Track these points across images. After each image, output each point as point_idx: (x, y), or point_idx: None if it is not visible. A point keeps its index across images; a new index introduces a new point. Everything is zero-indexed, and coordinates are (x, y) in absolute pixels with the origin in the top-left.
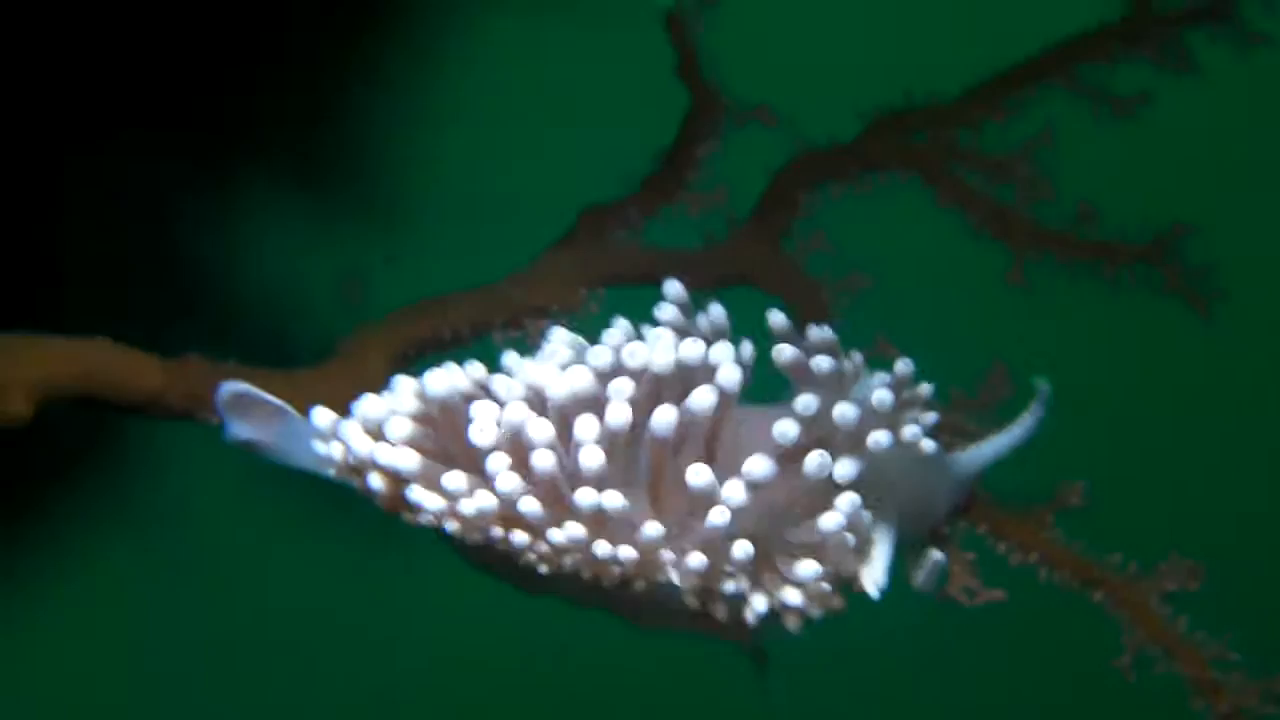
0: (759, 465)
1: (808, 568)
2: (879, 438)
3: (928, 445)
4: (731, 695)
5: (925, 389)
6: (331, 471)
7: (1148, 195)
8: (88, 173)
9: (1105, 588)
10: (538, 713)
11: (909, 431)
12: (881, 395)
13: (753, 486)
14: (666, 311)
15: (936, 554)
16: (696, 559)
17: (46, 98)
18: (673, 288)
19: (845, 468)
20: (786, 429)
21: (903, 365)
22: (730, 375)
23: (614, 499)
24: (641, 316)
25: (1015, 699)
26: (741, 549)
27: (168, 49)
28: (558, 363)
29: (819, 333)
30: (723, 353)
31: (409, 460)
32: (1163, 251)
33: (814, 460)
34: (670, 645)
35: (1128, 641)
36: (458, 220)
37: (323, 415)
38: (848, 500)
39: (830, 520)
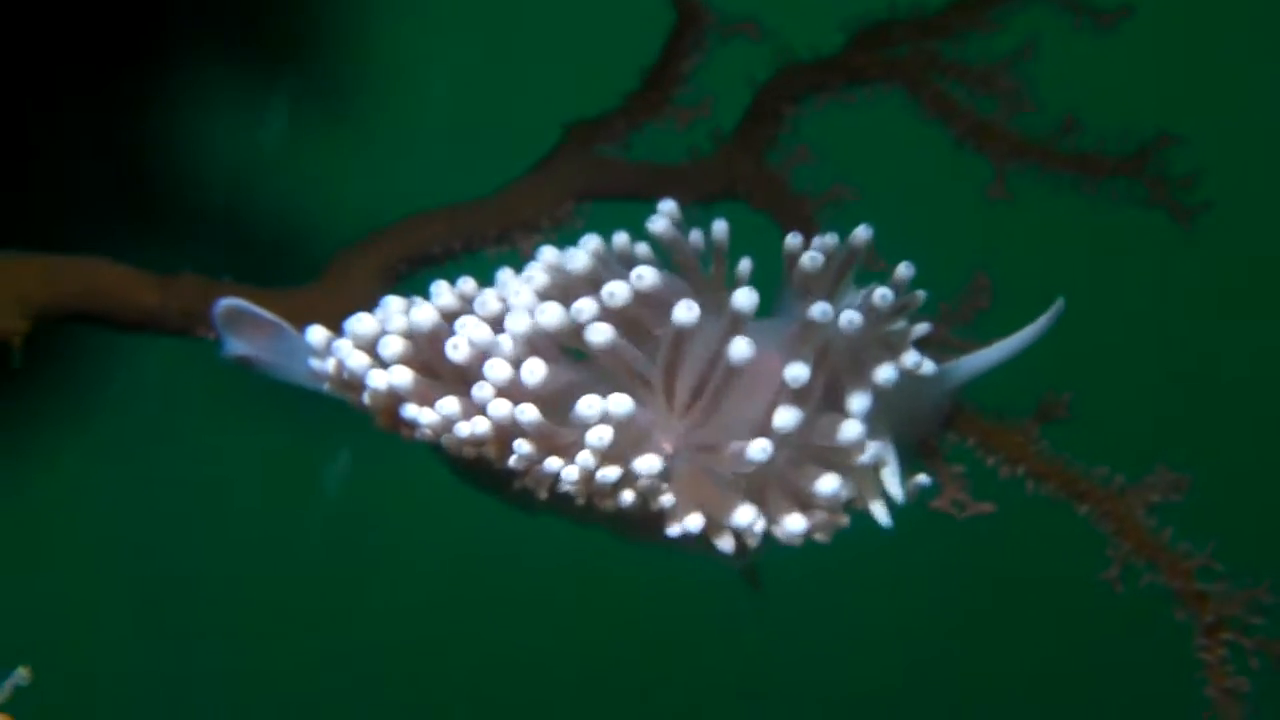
0: (787, 417)
1: (827, 484)
2: (886, 372)
3: (927, 366)
4: (724, 614)
5: (919, 295)
6: (326, 387)
7: (1131, 108)
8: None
9: (1091, 500)
10: (532, 633)
11: (911, 359)
12: (884, 293)
13: (781, 439)
14: (659, 224)
15: (922, 477)
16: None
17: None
18: (667, 204)
19: (857, 402)
20: (799, 373)
21: (904, 268)
22: (747, 299)
23: (621, 402)
24: (631, 231)
25: (1002, 612)
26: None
27: None
28: (536, 287)
29: (822, 240)
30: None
31: (403, 377)
32: (1145, 163)
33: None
34: (666, 564)
35: (1114, 554)
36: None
37: (317, 333)
38: (859, 431)
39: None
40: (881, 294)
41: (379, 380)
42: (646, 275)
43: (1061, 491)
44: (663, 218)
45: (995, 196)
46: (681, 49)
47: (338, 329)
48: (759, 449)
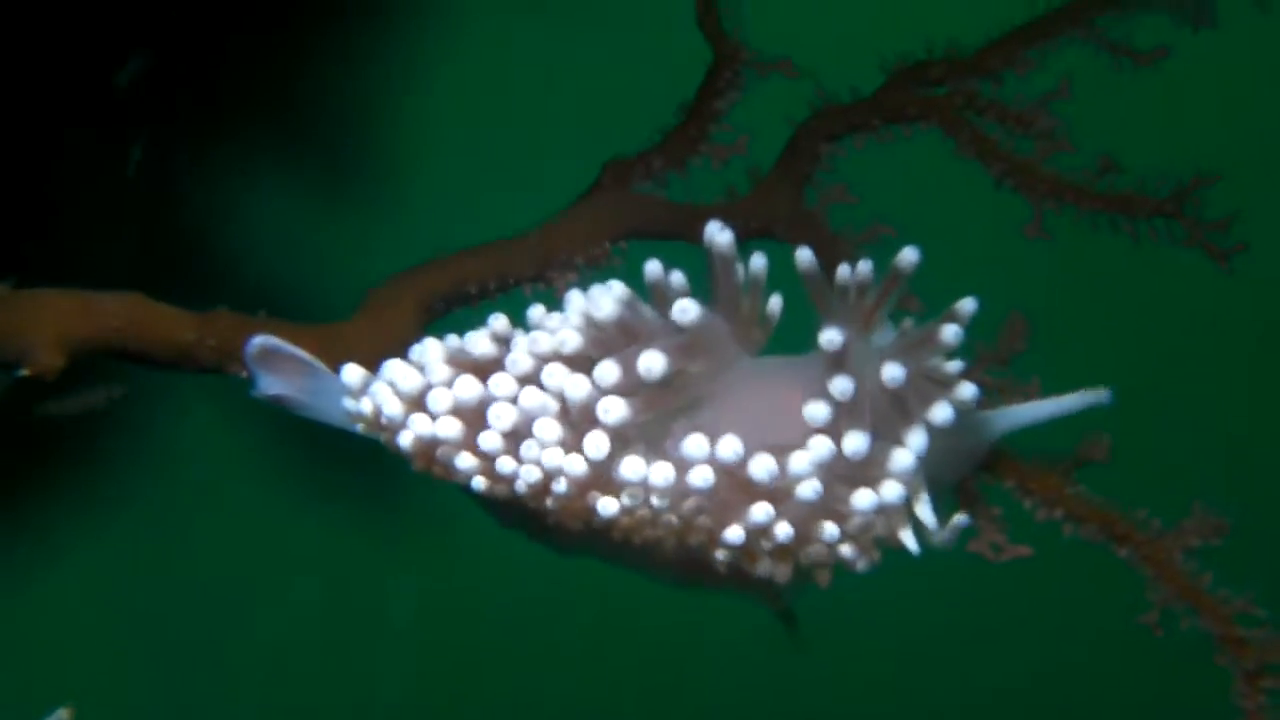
0: (821, 447)
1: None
2: (943, 411)
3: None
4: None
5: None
6: (360, 428)
7: (1168, 148)
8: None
9: (1130, 543)
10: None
11: (967, 390)
12: (953, 331)
13: (821, 468)
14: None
15: (960, 517)
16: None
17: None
18: (724, 235)
19: (915, 439)
20: (816, 412)
21: (968, 304)
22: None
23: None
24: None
25: (1040, 657)
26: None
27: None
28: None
29: (862, 265)
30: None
31: (450, 429)
32: (1182, 203)
33: (856, 440)
34: (701, 602)
35: (1153, 598)
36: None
37: (353, 373)
38: (910, 461)
39: (891, 490)
40: (951, 334)
41: (422, 428)
42: (690, 310)
43: (1100, 534)
44: (721, 232)
45: (1033, 236)
46: (718, 87)
47: (372, 366)
48: (809, 489)
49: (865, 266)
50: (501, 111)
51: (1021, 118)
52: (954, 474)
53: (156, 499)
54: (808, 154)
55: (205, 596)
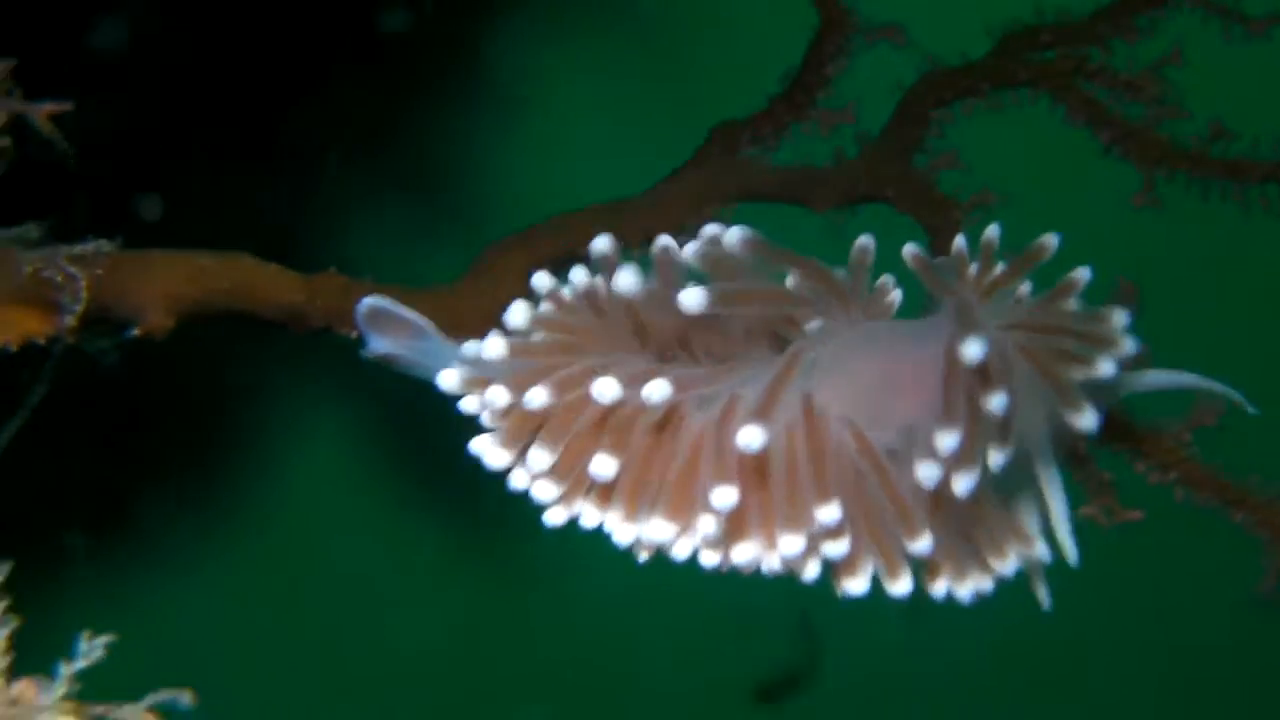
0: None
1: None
2: (1107, 366)
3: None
4: None
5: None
6: (466, 398)
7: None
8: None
9: (1246, 508)
10: None
11: (1128, 345)
12: (1084, 274)
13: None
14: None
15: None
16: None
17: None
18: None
19: (1087, 419)
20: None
21: (1083, 272)
22: None
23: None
24: (772, 234)
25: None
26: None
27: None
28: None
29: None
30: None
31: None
32: None
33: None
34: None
35: (1269, 563)
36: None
37: (495, 344)
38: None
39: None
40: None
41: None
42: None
43: (1214, 499)
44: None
45: (1142, 203)
46: (826, 53)
47: (480, 329)
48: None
49: (993, 232)
50: (624, 65)
51: (1132, 83)
52: (1069, 442)
53: (283, 518)
54: (917, 119)
55: (333, 612)
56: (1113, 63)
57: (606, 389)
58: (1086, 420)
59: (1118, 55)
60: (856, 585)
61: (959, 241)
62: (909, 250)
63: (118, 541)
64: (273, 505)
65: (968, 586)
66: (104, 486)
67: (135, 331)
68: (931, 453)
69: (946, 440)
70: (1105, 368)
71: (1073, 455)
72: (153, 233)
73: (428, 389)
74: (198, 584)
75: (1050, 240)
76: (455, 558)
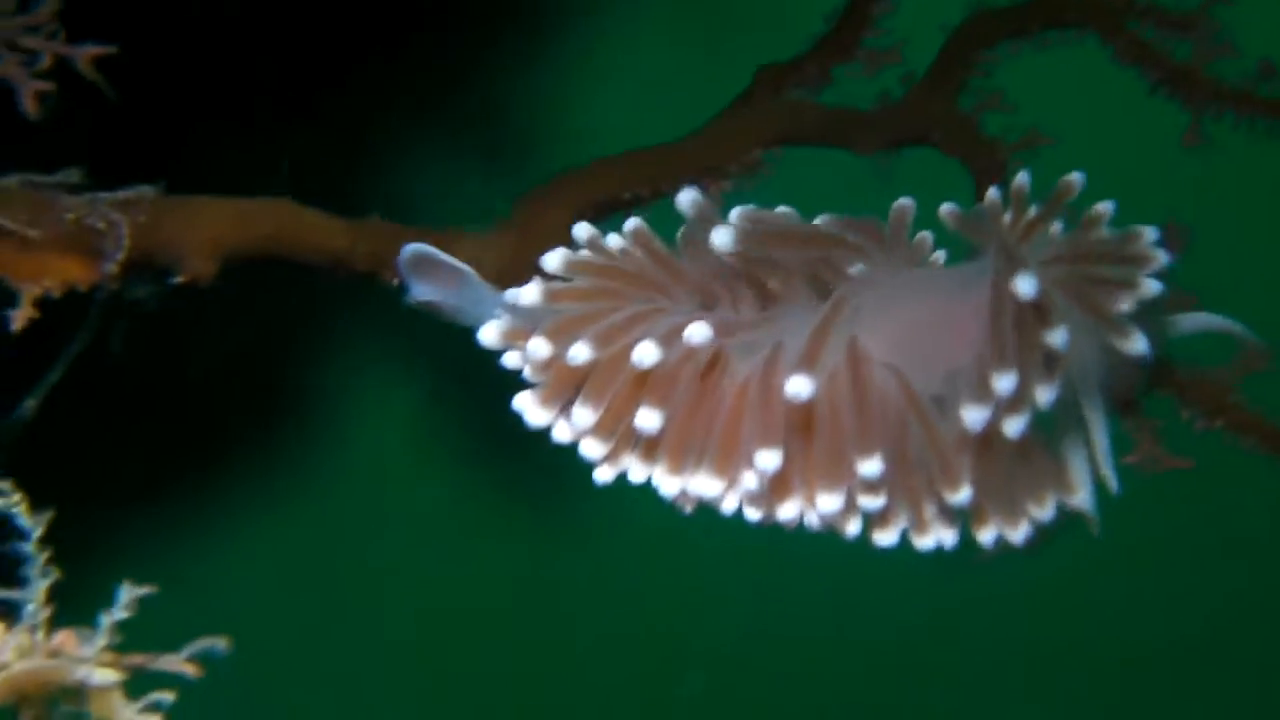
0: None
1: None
2: (1152, 286)
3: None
4: None
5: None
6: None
7: None
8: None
9: None
10: None
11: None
12: (1109, 206)
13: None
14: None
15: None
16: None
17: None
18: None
19: (1137, 342)
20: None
21: (1106, 206)
22: None
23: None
24: (818, 176)
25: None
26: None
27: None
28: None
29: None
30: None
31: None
32: None
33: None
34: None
35: None
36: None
37: (532, 291)
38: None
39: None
40: (1107, 205)
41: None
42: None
43: (1262, 445)
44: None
45: (1191, 143)
46: None
47: (525, 275)
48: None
49: (1023, 178)
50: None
51: (1182, 22)
52: (1122, 391)
53: (330, 499)
54: (962, 60)
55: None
56: (1161, 1)
57: (646, 353)
58: (1136, 344)
59: None
60: (887, 538)
61: (992, 192)
62: (945, 209)
63: (167, 503)
64: (327, 467)
65: (1017, 532)
66: (155, 449)
67: (178, 279)
68: (978, 396)
69: (1002, 381)
70: (1147, 286)
71: (1121, 400)
72: (190, 181)
73: (473, 338)
74: (249, 544)
75: (1076, 178)
76: (515, 514)
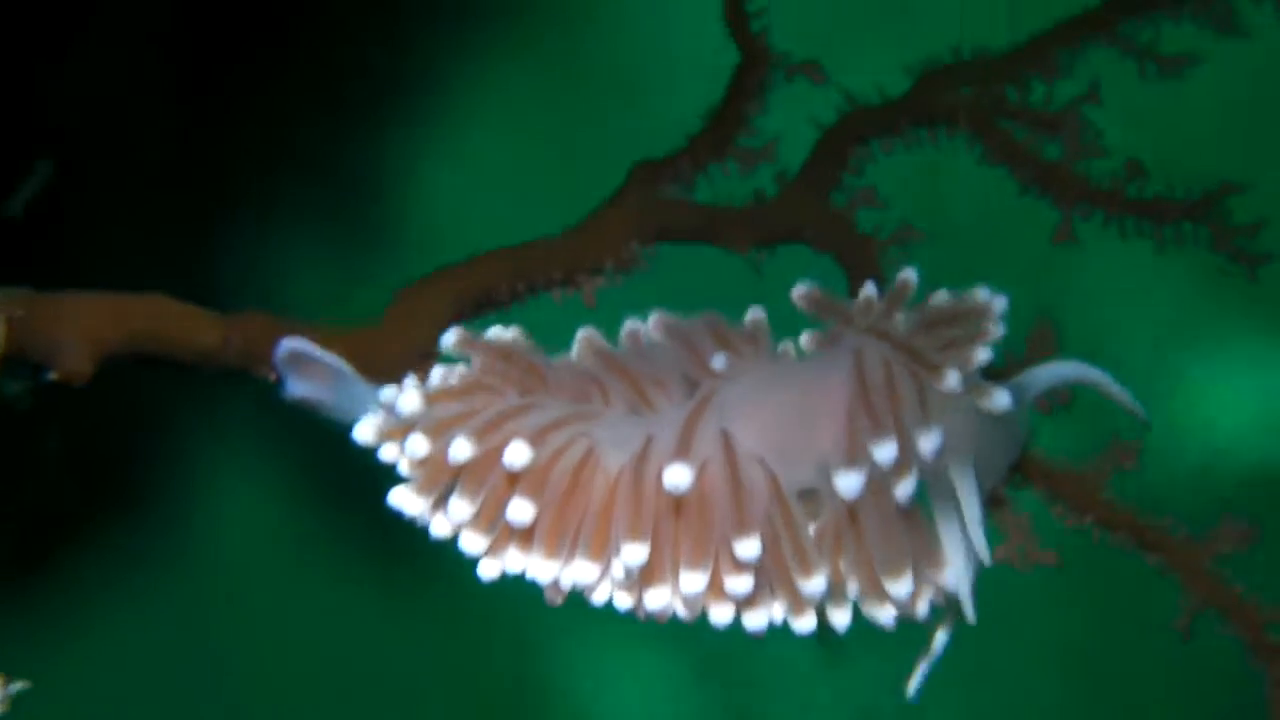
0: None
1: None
2: (1001, 398)
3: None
4: None
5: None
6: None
7: (1195, 153)
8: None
9: (1161, 550)
10: None
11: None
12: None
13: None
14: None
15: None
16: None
17: None
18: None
19: (999, 398)
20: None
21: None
22: None
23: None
24: (692, 274)
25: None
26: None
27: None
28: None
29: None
30: None
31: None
32: (1209, 210)
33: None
34: None
35: (1184, 604)
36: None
37: (410, 398)
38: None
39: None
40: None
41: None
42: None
43: (1130, 541)
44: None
45: (1061, 241)
46: (745, 90)
47: (400, 370)
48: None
49: (909, 274)
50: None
51: (1051, 122)
52: (990, 481)
53: (190, 571)
54: (835, 157)
55: (234, 670)
56: (1031, 101)
57: (518, 455)
58: (998, 400)
59: (1035, 93)
60: (756, 621)
61: (868, 286)
62: (798, 291)
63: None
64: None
65: (881, 612)
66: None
67: (53, 375)
68: (849, 462)
69: (879, 450)
70: (995, 332)
71: (992, 498)
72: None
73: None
74: (112, 630)
75: (909, 275)
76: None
